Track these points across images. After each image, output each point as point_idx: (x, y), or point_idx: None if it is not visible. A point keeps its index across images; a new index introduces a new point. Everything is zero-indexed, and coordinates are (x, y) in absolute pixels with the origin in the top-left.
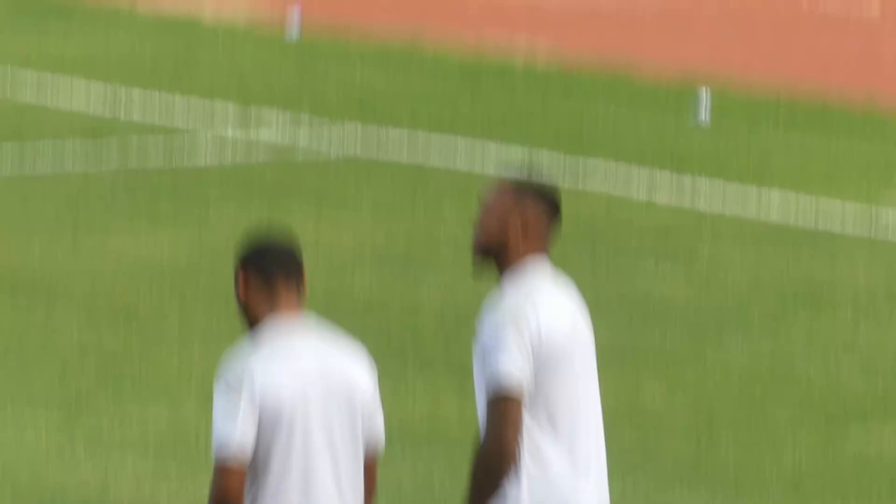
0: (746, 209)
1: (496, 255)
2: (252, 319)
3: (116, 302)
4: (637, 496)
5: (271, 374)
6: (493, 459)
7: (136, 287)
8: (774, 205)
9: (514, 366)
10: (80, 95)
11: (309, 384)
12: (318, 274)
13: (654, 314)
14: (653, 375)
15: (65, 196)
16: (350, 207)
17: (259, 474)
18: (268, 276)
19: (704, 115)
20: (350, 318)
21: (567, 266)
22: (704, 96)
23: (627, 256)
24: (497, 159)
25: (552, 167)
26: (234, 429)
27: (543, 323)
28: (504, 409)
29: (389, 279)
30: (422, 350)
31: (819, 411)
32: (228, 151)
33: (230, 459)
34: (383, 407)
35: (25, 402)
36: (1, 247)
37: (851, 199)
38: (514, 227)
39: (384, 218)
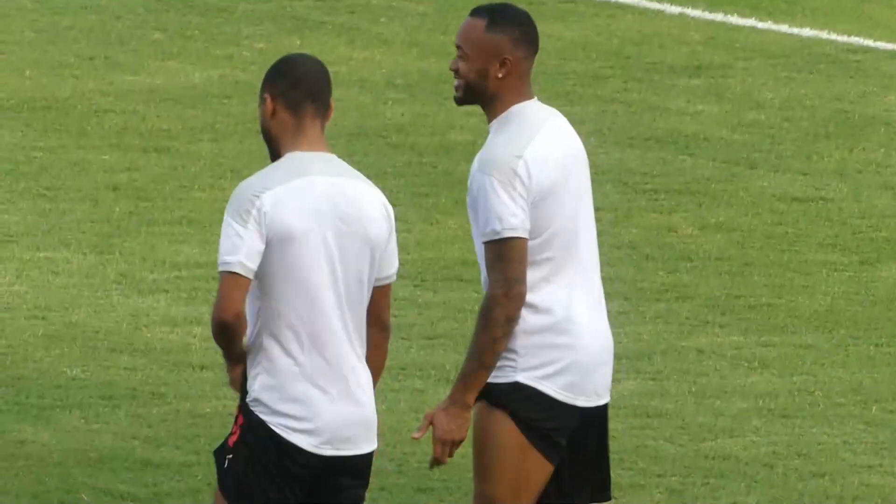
0: (779, 41)
1: (481, 104)
2: (274, 148)
3: (148, 138)
4: (669, 335)
5: (283, 203)
6: (501, 302)
7: (168, 122)
8: (807, 35)
9: (507, 210)
10: None
11: (320, 216)
12: (350, 104)
13: (686, 148)
14: (684, 211)
15: (95, 31)
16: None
17: (271, 298)
18: (296, 108)
19: None
20: (380, 150)
21: (598, 104)
22: None
23: (659, 90)
24: None
25: (585, 2)
26: (240, 244)
27: (538, 176)
28: (506, 249)
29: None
30: (454, 189)
31: (852, 250)
32: None
33: (235, 267)
34: (416, 247)
35: (57, 244)
36: (31, 84)
37: (886, 27)
38: (495, 74)
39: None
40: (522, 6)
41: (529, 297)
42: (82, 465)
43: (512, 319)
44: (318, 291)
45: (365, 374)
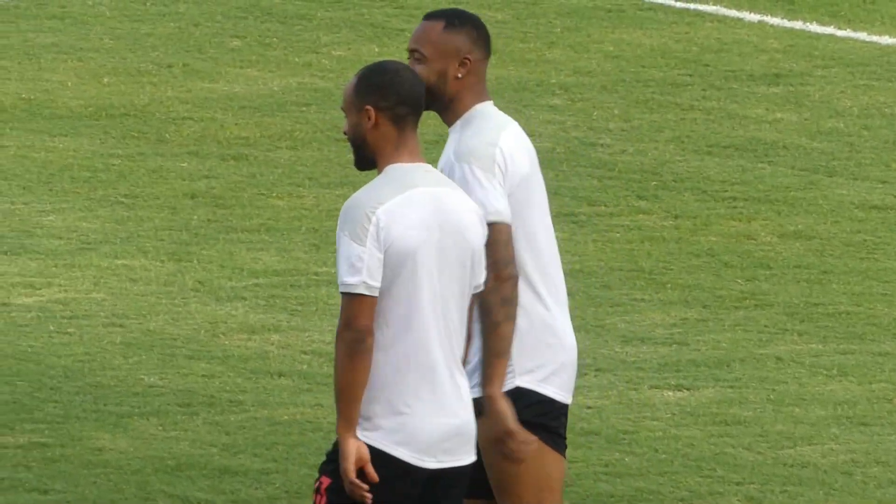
0: (858, 49)
1: (438, 108)
2: (368, 157)
3: (226, 145)
4: (748, 343)
5: (396, 217)
6: (493, 285)
7: (246, 129)
8: (886, 43)
9: (491, 195)
10: None
11: (429, 227)
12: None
13: (765, 156)
14: (763, 219)
15: (174, 38)
16: None
17: (387, 314)
18: (401, 122)
19: None
20: None
21: (677, 111)
22: None
23: (738, 98)
24: None
25: (664, 10)
26: (360, 265)
27: (513, 166)
28: (493, 233)
29: None
30: None
31: None
32: None
33: (359, 288)
34: None
35: (136, 251)
36: (110, 91)
37: None
38: (454, 74)
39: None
40: (602, 13)
41: (523, 295)
42: (160, 472)
43: (508, 300)
44: (431, 303)
45: (465, 386)
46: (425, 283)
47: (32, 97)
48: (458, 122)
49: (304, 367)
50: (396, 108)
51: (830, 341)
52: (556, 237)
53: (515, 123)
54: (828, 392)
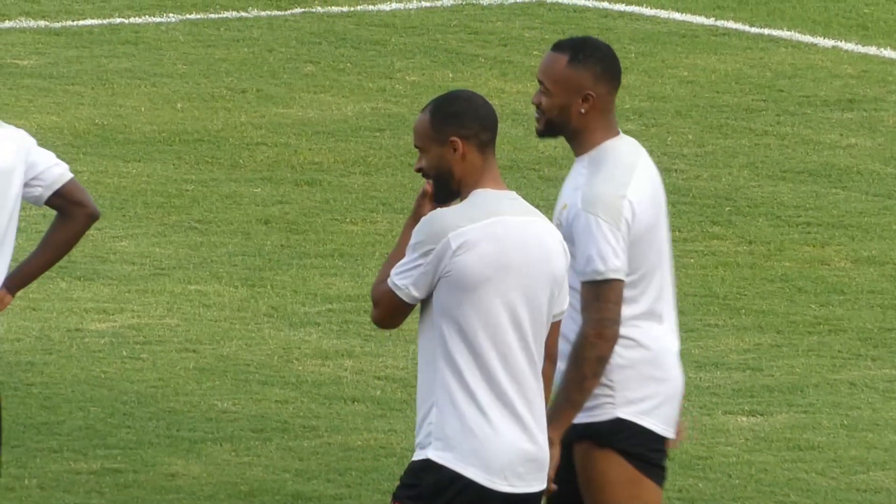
0: None
1: (567, 138)
2: (453, 188)
3: (300, 170)
4: (822, 368)
5: (470, 245)
6: (593, 342)
7: (320, 154)
8: None
9: (611, 251)
10: None
11: (511, 258)
12: (502, 137)
13: (839, 181)
14: (837, 244)
15: (248, 63)
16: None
17: (451, 335)
18: (485, 149)
19: None
20: (533, 183)
21: (751, 137)
22: None
23: (812, 123)
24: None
25: (738, 35)
26: (413, 273)
27: (640, 214)
28: (606, 290)
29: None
30: None
31: None
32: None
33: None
34: None
35: (209, 277)
36: (183, 117)
37: None
38: (577, 109)
39: None
40: (676, 38)
41: (627, 332)
42: (233, 498)
43: (603, 359)
44: (500, 332)
45: (543, 415)
46: (499, 311)
47: (106, 122)
48: (586, 158)
49: (378, 392)
50: (481, 135)
51: None
52: None
53: (644, 157)
54: None
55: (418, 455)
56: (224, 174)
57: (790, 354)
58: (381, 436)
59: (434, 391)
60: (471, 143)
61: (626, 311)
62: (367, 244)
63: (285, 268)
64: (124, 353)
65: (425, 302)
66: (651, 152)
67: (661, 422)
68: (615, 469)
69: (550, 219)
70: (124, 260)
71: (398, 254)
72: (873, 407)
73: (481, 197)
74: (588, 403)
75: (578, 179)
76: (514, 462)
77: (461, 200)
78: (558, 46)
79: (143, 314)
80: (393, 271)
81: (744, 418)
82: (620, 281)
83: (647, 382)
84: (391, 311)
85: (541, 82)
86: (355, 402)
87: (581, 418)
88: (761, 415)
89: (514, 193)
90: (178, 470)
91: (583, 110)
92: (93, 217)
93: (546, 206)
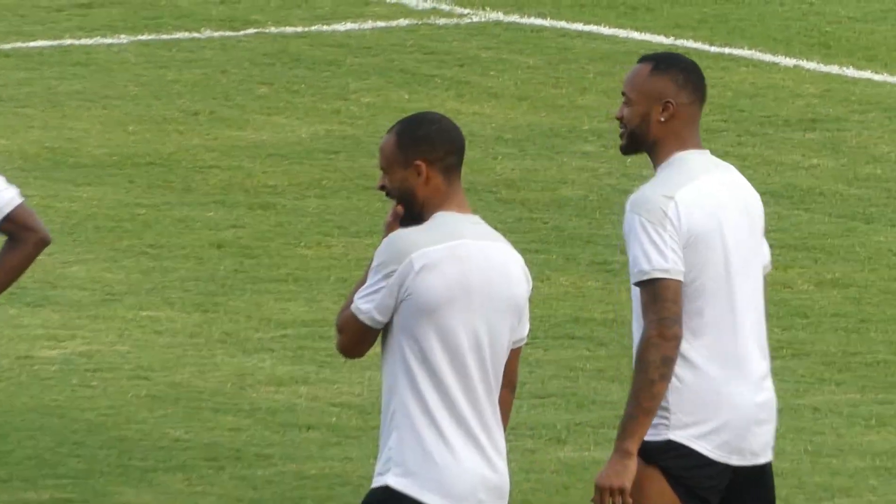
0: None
1: (646, 151)
2: (416, 211)
3: (253, 194)
4: (785, 393)
5: (432, 267)
6: (656, 342)
7: (274, 177)
8: None
9: (656, 249)
10: None
11: (470, 282)
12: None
13: (802, 203)
14: (800, 267)
15: (200, 85)
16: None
17: (410, 360)
18: (451, 173)
19: None
20: (490, 205)
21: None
22: None
23: (774, 144)
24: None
25: (697, 54)
26: (375, 297)
27: (688, 220)
28: (659, 289)
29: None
30: (565, 245)
31: None
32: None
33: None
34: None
35: (161, 303)
36: (135, 140)
37: None
38: (657, 118)
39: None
40: (635, 58)
41: (685, 351)
42: None
43: (669, 360)
44: (461, 357)
45: (502, 441)
46: (461, 337)
47: (56, 146)
48: (658, 169)
49: (333, 419)
50: (446, 159)
51: (869, 391)
52: (589, 286)
53: (723, 174)
54: (866, 443)
55: (377, 482)
56: (176, 198)
57: None
58: (336, 464)
59: (395, 416)
60: (435, 168)
61: (684, 325)
62: (322, 268)
63: (239, 293)
64: (75, 381)
65: (387, 324)
66: (610, 174)
67: (715, 447)
68: (655, 488)
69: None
70: (75, 285)
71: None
72: (837, 432)
73: (444, 219)
74: None
75: None
76: (476, 489)
77: (424, 223)
78: (644, 58)
79: (94, 341)
80: (356, 296)
81: None
82: (674, 280)
83: (703, 406)
84: (356, 338)
85: (624, 94)
86: (310, 430)
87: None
88: None
89: (477, 217)
90: (129, 500)
91: (662, 119)
92: (43, 242)
93: (503, 228)
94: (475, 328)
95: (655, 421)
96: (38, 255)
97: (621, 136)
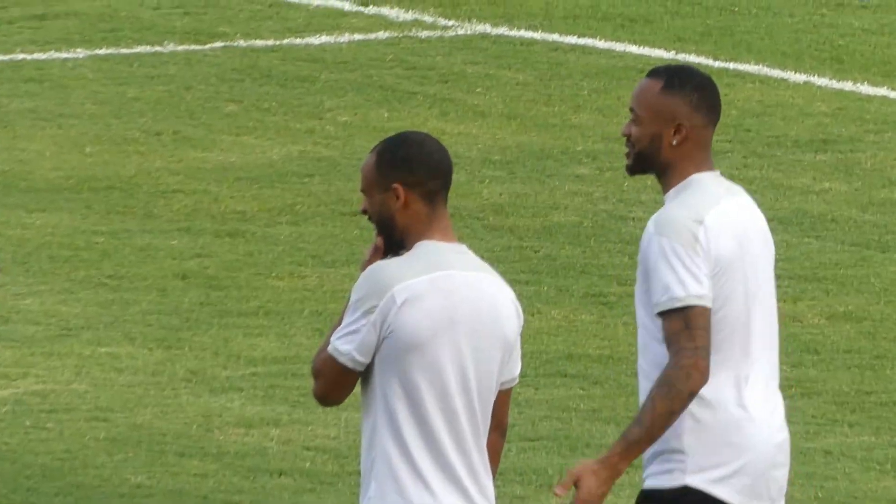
0: None
1: (655, 173)
2: (397, 238)
3: (221, 220)
4: (794, 435)
5: (415, 301)
6: (691, 373)
7: (243, 203)
8: None
9: (690, 275)
10: None
11: (457, 316)
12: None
13: (812, 230)
14: (811, 299)
15: (163, 103)
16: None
17: (381, 404)
18: (433, 198)
19: None
20: (476, 233)
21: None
22: None
23: (782, 166)
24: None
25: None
26: (355, 337)
27: (718, 247)
28: (692, 317)
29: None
30: (557, 275)
31: None
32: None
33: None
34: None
35: (121, 338)
36: (93, 162)
37: None
38: (669, 140)
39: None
40: (633, 73)
41: (706, 392)
42: None
43: (694, 395)
44: (446, 397)
45: (490, 485)
46: (446, 375)
47: (7, 168)
48: (672, 191)
49: (307, 464)
50: (427, 184)
51: (884, 433)
52: (583, 320)
53: (740, 197)
54: (882, 489)
55: None
56: (137, 225)
57: None
58: None
59: (375, 463)
60: (415, 192)
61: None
62: (295, 301)
63: (205, 327)
64: (28, 423)
65: (368, 364)
66: (605, 199)
67: (736, 492)
68: None
69: None
70: (28, 319)
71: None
72: (850, 478)
73: (427, 249)
74: (657, 467)
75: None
76: None
77: (405, 252)
78: (654, 72)
79: (49, 379)
80: (333, 336)
81: None
82: (707, 308)
83: (722, 448)
84: (335, 383)
85: (632, 110)
86: (282, 475)
87: (648, 482)
88: None
89: (463, 247)
90: None
91: (675, 142)
92: None
93: (490, 257)
94: (462, 367)
95: (670, 465)
96: None
97: (627, 155)
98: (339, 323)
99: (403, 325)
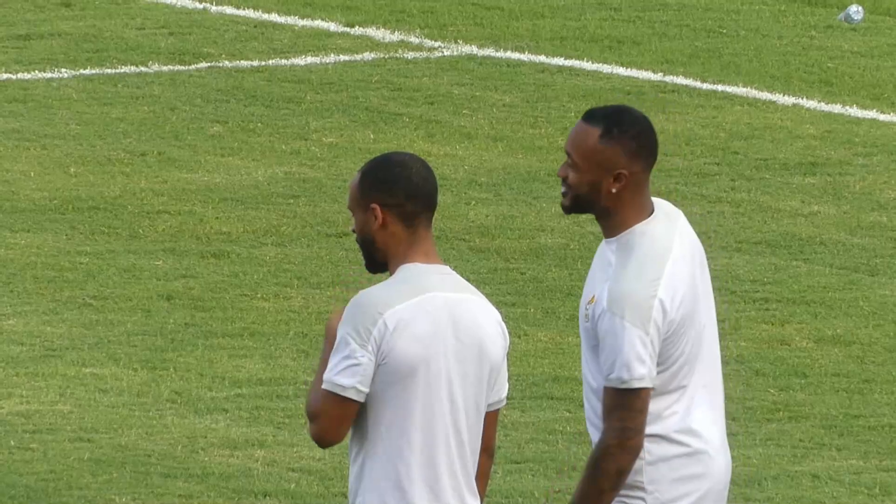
0: None
1: (594, 215)
2: (378, 259)
3: (206, 241)
4: (781, 459)
5: (404, 325)
6: (614, 452)
7: (228, 224)
8: None
9: (637, 358)
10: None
11: (442, 338)
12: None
13: (801, 253)
14: (799, 322)
15: (148, 124)
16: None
17: (381, 429)
18: (412, 220)
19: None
20: (462, 255)
21: (704, 204)
22: None
23: (771, 189)
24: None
25: (688, 92)
26: (357, 369)
27: (671, 310)
28: (630, 399)
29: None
30: (544, 298)
31: None
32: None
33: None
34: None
35: (105, 359)
36: (77, 182)
37: None
38: (608, 188)
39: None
40: (620, 95)
41: (659, 429)
42: None
43: (623, 473)
44: (438, 421)
45: None
46: (435, 400)
47: None
48: (615, 242)
49: (292, 486)
50: (405, 206)
51: (872, 457)
52: (569, 343)
53: (680, 231)
54: None
55: None
56: (122, 245)
57: (746, 444)
58: None
59: (362, 484)
60: (392, 213)
61: (659, 404)
62: (280, 322)
63: (190, 348)
64: (12, 443)
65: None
66: (592, 221)
67: None
68: None
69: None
70: (12, 340)
71: (325, 363)
72: (838, 501)
73: (409, 273)
74: None
75: (607, 270)
76: None
77: (389, 275)
78: (591, 117)
79: (33, 399)
80: (327, 375)
81: None
82: (646, 390)
83: (685, 481)
84: (338, 420)
85: (569, 154)
86: (267, 497)
87: None
88: None
89: (447, 268)
90: None
91: (614, 189)
92: None
93: (477, 279)
94: (451, 390)
95: (632, 502)
96: None
97: (564, 195)
98: (324, 363)
99: (396, 352)
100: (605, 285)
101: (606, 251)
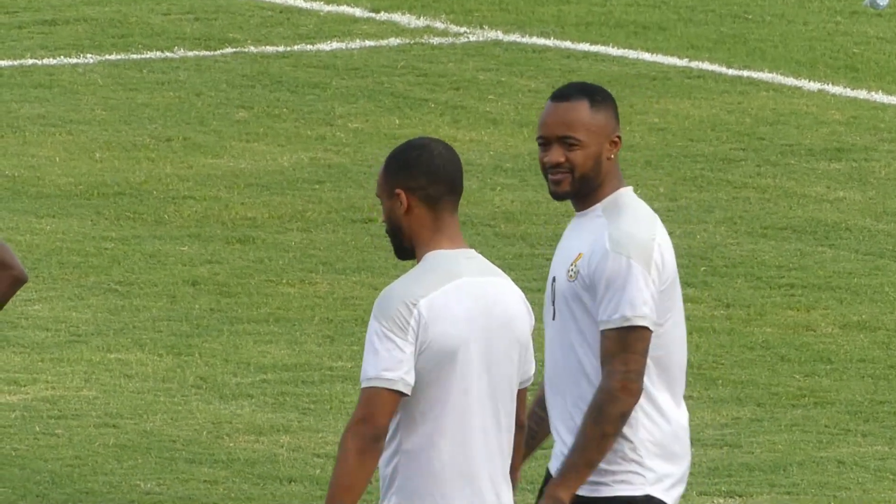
0: None
1: (585, 194)
2: (408, 246)
3: (231, 227)
4: (807, 445)
5: (439, 313)
6: (618, 396)
7: (253, 209)
8: None
9: (641, 297)
10: None
11: (474, 322)
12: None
13: (826, 239)
14: (824, 308)
15: (173, 109)
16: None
17: (416, 416)
18: (436, 204)
19: None
20: (488, 240)
21: (729, 189)
22: None
23: (796, 175)
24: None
25: (714, 77)
26: (403, 359)
27: (667, 262)
28: (633, 339)
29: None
30: None
31: None
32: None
33: (398, 385)
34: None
35: (131, 344)
36: (102, 168)
37: None
38: (607, 155)
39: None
40: (646, 81)
41: (654, 401)
42: None
43: (626, 416)
44: (473, 404)
45: (508, 493)
46: (470, 384)
47: (17, 174)
48: (599, 207)
49: (318, 471)
50: (428, 188)
51: None
52: None
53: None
54: (895, 499)
55: None
56: (147, 231)
57: (772, 429)
58: None
59: (396, 476)
60: (416, 197)
61: (654, 374)
62: (306, 308)
63: (215, 334)
64: (37, 429)
65: None
66: None
67: (675, 497)
68: None
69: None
70: (37, 325)
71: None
72: (864, 487)
73: (437, 260)
74: (617, 476)
75: (595, 225)
76: None
77: (416, 262)
78: (566, 95)
79: (58, 385)
80: (371, 371)
81: (721, 500)
82: (648, 330)
83: (673, 458)
84: (388, 414)
85: (564, 138)
86: (292, 483)
87: (609, 490)
88: (740, 496)
89: (472, 251)
90: None
91: (612, 156)
92: (20, 280)
93: (503, 264)
94: (485, 372)
95: (630, 476)
96: (14, 295)
97: (560, 182)
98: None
99: (435, 340)
100: (605, 233)
101: (587, 218)
